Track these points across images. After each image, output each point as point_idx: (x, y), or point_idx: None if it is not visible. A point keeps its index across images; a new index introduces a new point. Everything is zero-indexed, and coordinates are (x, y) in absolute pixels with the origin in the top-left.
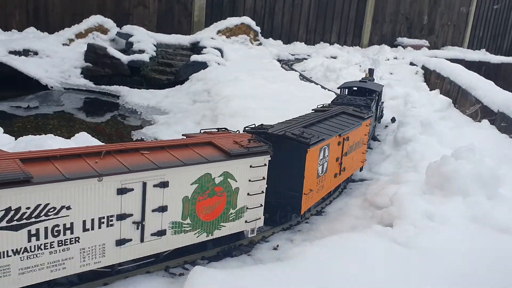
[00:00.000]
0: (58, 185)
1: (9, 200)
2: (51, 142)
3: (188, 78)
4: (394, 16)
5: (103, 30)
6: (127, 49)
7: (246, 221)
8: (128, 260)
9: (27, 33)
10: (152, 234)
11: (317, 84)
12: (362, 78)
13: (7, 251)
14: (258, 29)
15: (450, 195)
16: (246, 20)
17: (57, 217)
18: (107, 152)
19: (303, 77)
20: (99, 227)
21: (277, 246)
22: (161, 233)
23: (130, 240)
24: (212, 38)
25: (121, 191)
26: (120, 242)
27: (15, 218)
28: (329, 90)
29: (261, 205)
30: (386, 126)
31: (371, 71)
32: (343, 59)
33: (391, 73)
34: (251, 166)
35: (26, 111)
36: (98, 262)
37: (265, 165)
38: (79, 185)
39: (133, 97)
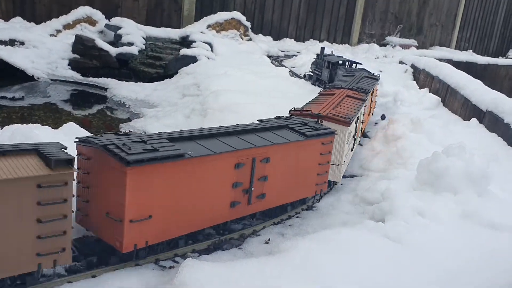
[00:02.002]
0: (349, 126)
1: (342, 132)
2: (38, 132)
3: (177, 72)
4: (383, 15)
5: (91, 21)
6: (116, 41)
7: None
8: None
9: (13, 23)
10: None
11: (306, 80)
12: (327, 54)
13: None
14: (248, 24)
15: (441, 191)
16: (237, 15)
17: (348, 142)
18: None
19: (292, 73)
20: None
21: (268, 240)
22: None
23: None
24: (202, 33)
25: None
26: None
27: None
28: (318, 86)
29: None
30: (376, 123)
31: (322, 49)
32: None
33: (381, 71)
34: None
35: (12, 101)
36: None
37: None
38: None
39: (121, 90)
